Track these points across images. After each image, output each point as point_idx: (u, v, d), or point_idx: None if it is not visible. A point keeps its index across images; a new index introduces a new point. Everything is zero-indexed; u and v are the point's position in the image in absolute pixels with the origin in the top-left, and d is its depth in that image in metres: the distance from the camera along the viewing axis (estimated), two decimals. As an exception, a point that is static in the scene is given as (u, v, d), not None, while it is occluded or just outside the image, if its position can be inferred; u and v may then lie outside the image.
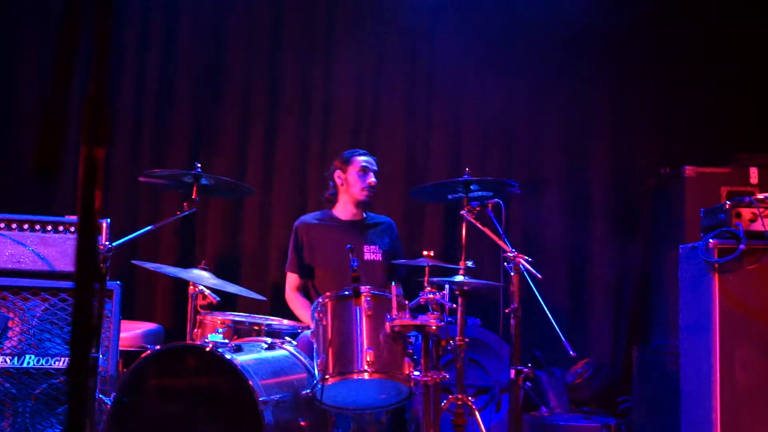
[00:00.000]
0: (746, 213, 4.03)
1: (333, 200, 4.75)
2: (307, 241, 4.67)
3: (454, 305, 3.72)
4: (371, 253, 4.62)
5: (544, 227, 5.69)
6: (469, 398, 3.89)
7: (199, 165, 3.86)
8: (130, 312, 5.05)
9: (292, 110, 5.69)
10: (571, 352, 3.75)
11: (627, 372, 5.30)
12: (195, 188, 3.83)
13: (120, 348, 4.24)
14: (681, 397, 4.23)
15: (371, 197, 4.68)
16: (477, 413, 3.84)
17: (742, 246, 3.95)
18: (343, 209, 4.72)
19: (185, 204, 3.79)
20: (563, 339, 3.77)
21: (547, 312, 3.84)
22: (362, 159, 4.69)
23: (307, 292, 4.63)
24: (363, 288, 3.48)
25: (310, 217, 4.79)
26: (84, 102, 1.22)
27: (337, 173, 4.71)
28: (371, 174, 4.66)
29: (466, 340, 3.92)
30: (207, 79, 5.68)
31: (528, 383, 4.95)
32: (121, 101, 5.57)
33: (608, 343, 5.59)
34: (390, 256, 4.63)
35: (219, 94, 5.68)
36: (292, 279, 4.70)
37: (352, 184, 4.66)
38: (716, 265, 3.97)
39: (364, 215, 4.76)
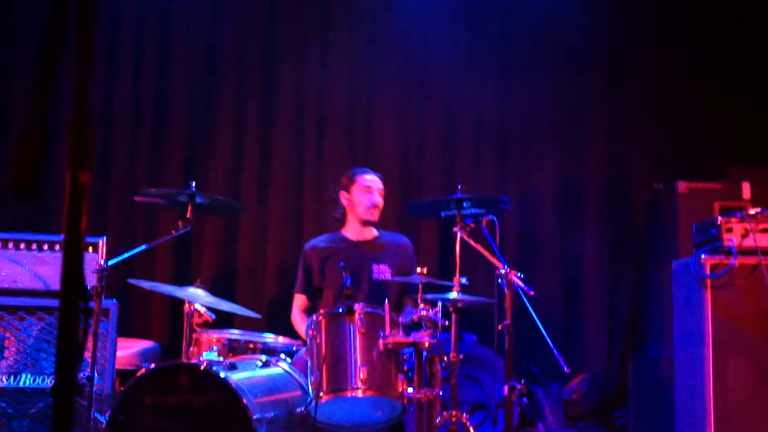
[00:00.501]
0: (738, 228, 4.06)
1: (342, 220, 4.76)
2: (316, 265, 4.67)
3: (447, 322, 3.74)
4: (380, 273, 4.62)
5: (538, 241, 5.72)
6: (464, 415, 3.90)
7: (193, 184, 3.90)
8: (126, 329, 5.06)
9: (286, 125, 5.73)
10: (565, 369, 3.77)
11: (623, 383, 5.31)
12: (190, 207, 3.86)
13: (116, 366, 4.27)
14: (675, 409, 4.26)
15: (376, 216, 4.67)
16: (471, 430, 3.85)
17: (733, 261, 3.98)
18: (352, 229, 4.73)
19: (180, 223, 3.82)
20: (557, 355, 3.79)
21: (541, 328, 3.86)
22: (365, 178, 4.68)
23: (314, 312, 4.64)
24: (356, 305, 3.51)
25: (319, 240, 4.78)
26: (67, 126, 1.25)
27: (342, 193, 4.72)
28: (375, 193, 4.66)
29: (461, 356, 3.92)
30: (201, 96, 5.73)
31: (524, 399, 4.97)
32: (116, 119, 5.62)
33: (604, 354, 5.59)
34: (401, 275, 4.59)
35: (213, 111, 5.72)
36: (299, 300, 4.72)
37: (357, 204, 4.66)
38: (708, 281, 4.00)
39: (377, 234, 4.76)
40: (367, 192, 4.65)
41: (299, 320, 4.64)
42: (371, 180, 4.68)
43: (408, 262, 4.71)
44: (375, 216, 4.66)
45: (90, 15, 1.21)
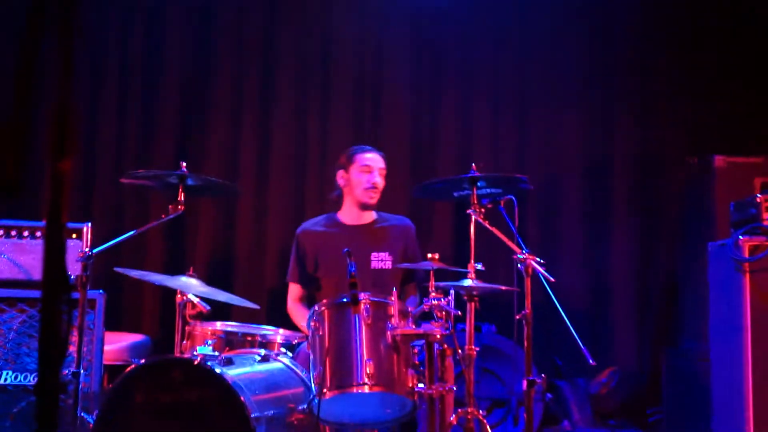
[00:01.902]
0: (779, 207, 4.09)
1: (339, 202, 4.79)
2: (310, 251, 4.72)
3: (459, 312, 3.78)
4: (379, 261, 4.65)
5: (562, 224, 5.77)
6: (481, 412, 3.95)
7: (184, 164, 3.96)
8: (115, 322, 5.15)
9: (287, 100, 5.80)
10: (591, 361, 3.82)
11: (655, 380, 5.37)
12: (181, 189, 3.92)
13: (104, 362, 4.35)
14: (712, 405, 4.29)
15: (375, 199, 4.68)
16: (489, 429, 3.91)
17: (774, 243, 4.01)
18: (349, 212, 4.76)
19: (170, 207, 3.89)
20: (582, 346, 3.84)
21: (565, 317, 3.91)
22: (365, 156, 4.69)
23: (312, 303, 4.70)
24: (362, 295, 3.55)
25: (312, 224, 4.82)
26: (49, 115, 1.32)
27: (340, 173, 4.74)
28: (375, 173, 4.66)
29: (477, 348, 3.97)
30: (194, 68, 5.81)
31: (548, 394, 5.03)
32: (102, 94, 5.70)
33: (634, 348, 5.65)
34: (405, 262, 4.61)
35: (208, 85, 5.80)
36: (294, 289, 4.77)
37: (355, 186, 4.68)
38: (746, 264, 4.02)
39: (376, 217, 4.79)
40: (365, 172, 4.65)
41: (295, 311, 4.70)
42: (371, 158, 4.69)
43: (411, 246, 4.75)
44: (373, 199, 4.67)
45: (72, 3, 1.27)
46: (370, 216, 4.78)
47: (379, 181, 4.68)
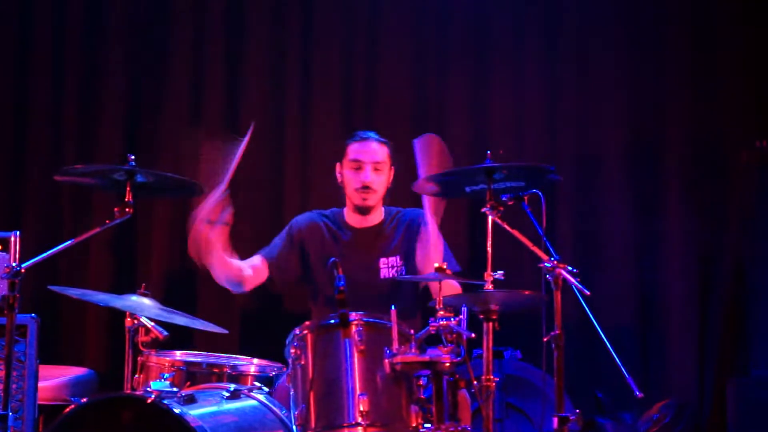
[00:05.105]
0: None
1: (344, 199, 4.81)
2: (306, 250, 4.74)
3: (474, 335, 3.78)
4: (389, 268, 4.69)
5: (603, 224, 5.76)
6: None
7: (132, 157, 3.96)
8: (53, 353, 5.16)
9: (258, 72, 5.83)
10: (638, 393, 3.82)
11: (720, 414, 5.36)
12: (129, 188, 3.92)
13: (39, 401, 4.35)
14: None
15: (370, 201, 4.68)
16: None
17: None
18: (351, 213, 4.79)
19: (116, 210, 3.89)
20: (626, 374, 3.84)
21: (604, 339, 3.91)
22: (353, 148, 4.69)
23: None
24: (353, 314, 3.55)
25: (317, 217, 4.83)
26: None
27: (337, 167, 4.77)
28: (368, 169, 4.65)
29: (497, 379, 3.95)
30: (146, 39, 5.84)
31: (587, 435, 5.03)
32: (32, 76, 5.74)
33: (692, 375, 5.61)
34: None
35: (163, 61, 5.83)
36: (255, 258, 4.73)
37: (346, 184, 4.71)
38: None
39: (385, 215, 4.81)
40: (354, 168, 4.66)
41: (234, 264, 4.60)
42: (362, 150, 4.68)
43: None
44: (367, 201, 4.68)
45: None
46: (378, 215, 4.80)
47: (371, 179, 4.66)
